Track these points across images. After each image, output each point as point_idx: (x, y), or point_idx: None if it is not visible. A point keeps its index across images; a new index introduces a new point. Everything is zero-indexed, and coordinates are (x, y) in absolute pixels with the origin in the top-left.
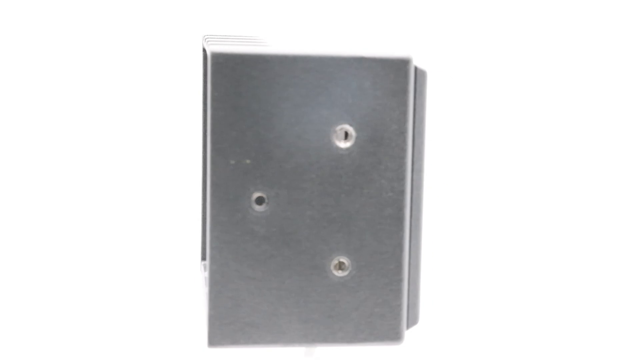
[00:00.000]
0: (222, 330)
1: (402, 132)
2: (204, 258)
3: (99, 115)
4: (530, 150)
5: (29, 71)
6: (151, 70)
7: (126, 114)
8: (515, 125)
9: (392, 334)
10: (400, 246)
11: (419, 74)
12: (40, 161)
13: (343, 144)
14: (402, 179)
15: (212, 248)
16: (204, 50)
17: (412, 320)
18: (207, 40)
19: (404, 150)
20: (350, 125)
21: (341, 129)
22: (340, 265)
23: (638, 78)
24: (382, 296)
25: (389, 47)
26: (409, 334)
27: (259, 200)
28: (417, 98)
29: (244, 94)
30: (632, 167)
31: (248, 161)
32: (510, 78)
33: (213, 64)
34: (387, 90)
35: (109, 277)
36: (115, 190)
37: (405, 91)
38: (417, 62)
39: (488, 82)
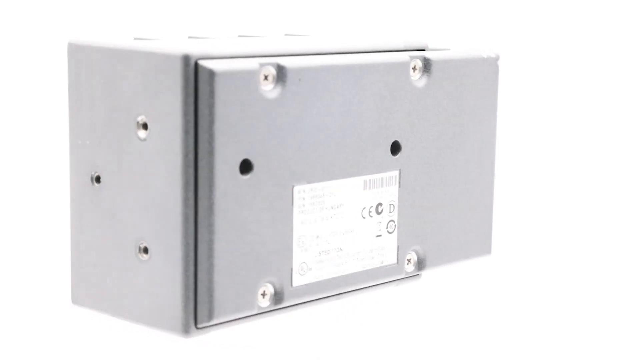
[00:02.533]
0: (79, 292)
1: (176, 129)
2: None
3: None
4: None
5: None
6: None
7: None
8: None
9: (177, 325)
10: (177, 239)
11: (204, 73)
12: None
13: (142, 134)
14: (176, 174)
15: (70, 216)
16: None
17: (206, 316)
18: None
19: (177, 146)
20: (146, 116)
21: (141, 119)
22: (145, 249)
23: None
24: (166, 285)
25: (210, 43)
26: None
27: (97, 179)
28: (201, 96)
29: (84, 81)
30: None
31: (88, 142)
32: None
33: (68, 53)
34: (164, 85)
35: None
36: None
37: (177, 87)
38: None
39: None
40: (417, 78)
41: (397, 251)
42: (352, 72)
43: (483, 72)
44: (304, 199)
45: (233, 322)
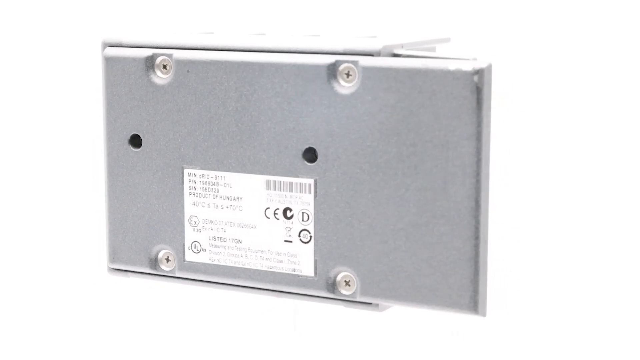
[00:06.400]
0: None
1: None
2: None
3: None
4: None
5: None
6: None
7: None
8: None
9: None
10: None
11: (104, 58)
12: None
13: None
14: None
15: None
16: None
17: (109, 259)
18: None
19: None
20: None
21: None
22: None
23: None
24: None
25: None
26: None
27: None
28: (103, 77)
29: None
30: None
31: None
32: None
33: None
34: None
35: None
36: None
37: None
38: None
39: None
40: (345, 85)
41: (315, 264)
42: (248, 70)
43: (448, 87)
44: (195, 182)
45: (141, 275)
